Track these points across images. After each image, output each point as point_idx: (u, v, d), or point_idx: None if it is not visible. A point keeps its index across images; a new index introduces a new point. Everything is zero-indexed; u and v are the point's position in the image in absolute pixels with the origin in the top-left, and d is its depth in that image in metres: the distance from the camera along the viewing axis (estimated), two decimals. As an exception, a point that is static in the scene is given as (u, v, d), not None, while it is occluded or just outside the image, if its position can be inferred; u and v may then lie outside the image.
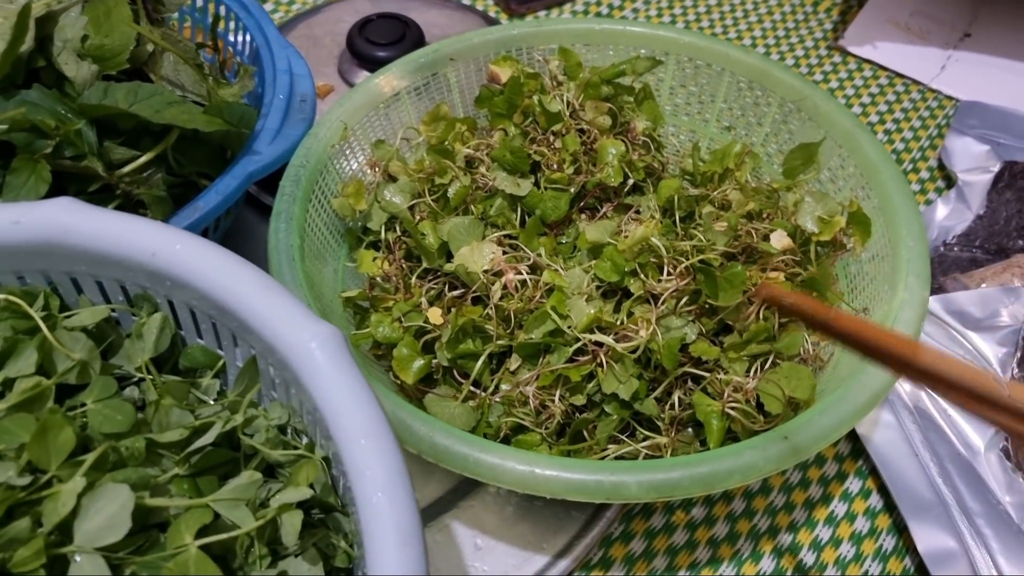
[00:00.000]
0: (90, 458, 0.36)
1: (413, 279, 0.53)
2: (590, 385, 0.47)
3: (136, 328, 0.43)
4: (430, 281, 0.53)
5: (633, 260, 0.48)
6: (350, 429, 0.36)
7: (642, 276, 0.48)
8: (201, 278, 0.39)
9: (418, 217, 0.54)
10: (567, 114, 0.57)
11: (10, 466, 0.35)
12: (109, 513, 0.34)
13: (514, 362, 0.49)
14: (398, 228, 0.55)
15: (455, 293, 0.51)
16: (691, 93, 0.65)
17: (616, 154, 0.55)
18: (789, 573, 0.50)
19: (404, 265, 0.54)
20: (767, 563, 0.51)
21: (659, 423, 0.47)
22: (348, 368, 0.37)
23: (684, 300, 0.48)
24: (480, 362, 0.48)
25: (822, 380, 0.48)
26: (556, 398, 0.46)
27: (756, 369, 0.47)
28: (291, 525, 0.36)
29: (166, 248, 0.40)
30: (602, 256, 0.48)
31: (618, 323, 0.47)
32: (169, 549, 0.35)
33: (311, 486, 0.38)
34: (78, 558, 0.34)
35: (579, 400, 0.47)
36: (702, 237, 0.50)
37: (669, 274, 0.48)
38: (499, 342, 0.48)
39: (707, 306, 0.48)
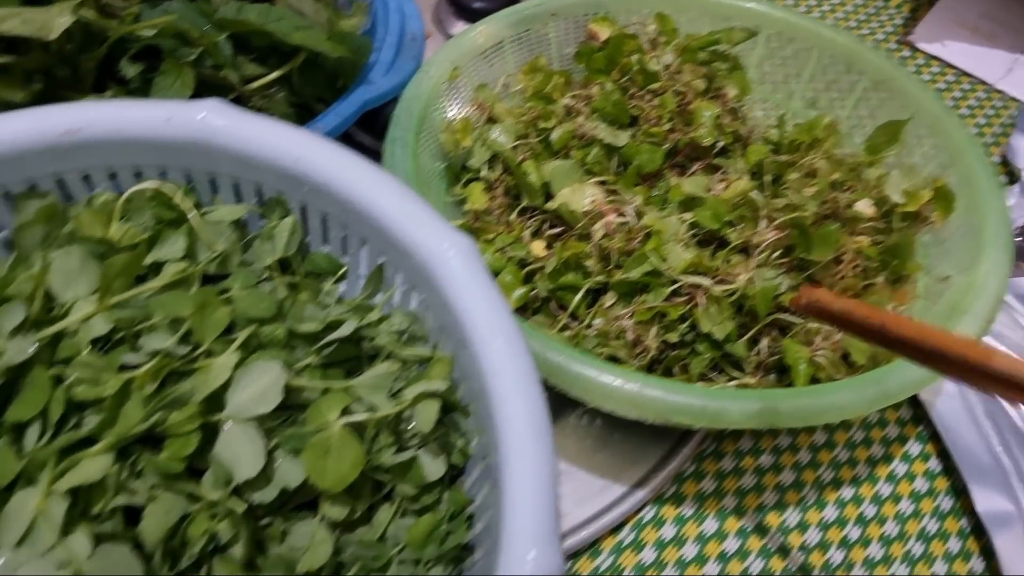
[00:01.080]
0: (242, 335, 0.38)
1: (513, 215, 0.55)
2: (683, 325, 0.49)
3: (267, 230, 0.45)
4: (530, 218, 0.55)
5: (731, 212, 0.51)
6: (486, 330, 0.38)
7: (739, 227, 0.50)
8: (342, 184, 0.42)
9: (520, 157, 0.56)
10: (664, 75, 0.59)
11: (167, 336, 0.38)
12: (261, 386, 0.37)
13: (609, 299, 0.51)
14: (499, 167, 0.57)
15: (554, 231, 0.54)
16: (777, 67, 0.67)
17: (711, 115, 0.57)
18: (851, 522, 0.53)
19: (505, 201, 0.56)
20: (830, 511, 0.53)
21: (745, 366, 0.50)
22: (482, 275, 0.40)
23: (777, 253, 0.50)
24: (580, 295, 0.50)
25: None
26: (651, 334, 0.49)
27: (842, 323, 0.50)
28: (427, 414, 0.38)
29: (310, 154, 0.42)
30: (703, 205, 0.51)
31: (716, 268, 0.49)
32: (310, 427, 0.37)
33: (434, 386, 0.40)
34: (228, 426, 0.36)
35: (672, 338, 0.49)
36: (792, 198, 0.52)
37: (765, 227, 0.50)
38: (597, 278, 0.50)
39: (797, 262, 0.50)
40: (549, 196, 0.54)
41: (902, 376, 0.44)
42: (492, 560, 0.35)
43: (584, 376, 0.43)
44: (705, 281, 0.48)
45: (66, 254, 0.39)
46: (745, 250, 0.51)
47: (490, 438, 0.37)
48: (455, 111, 0.60)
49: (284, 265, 0.45)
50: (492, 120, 0.59)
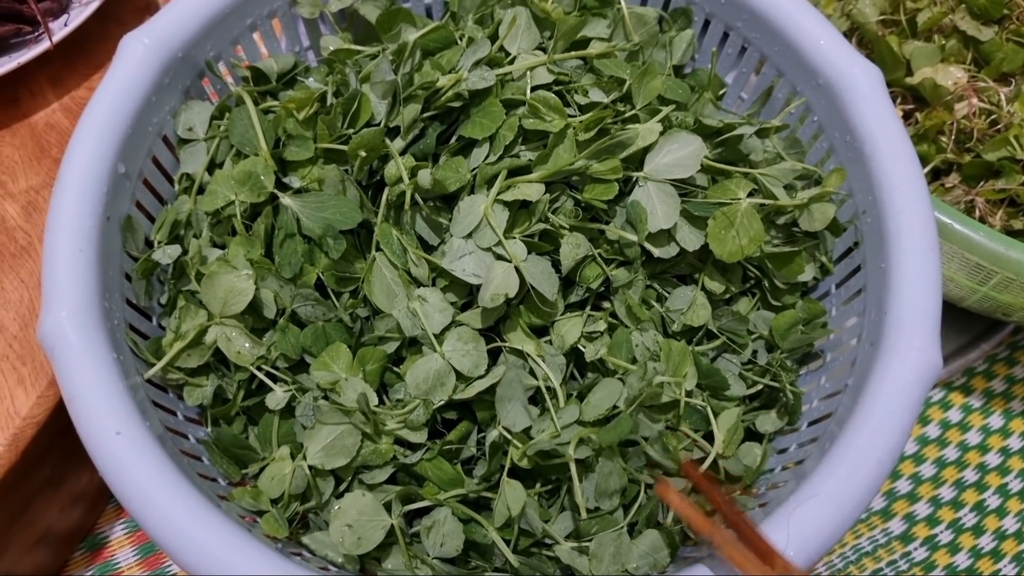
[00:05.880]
0: (665, 110, 0.42)
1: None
2: (1028, 217, 0.50)
3: (667, 39, 0.48)
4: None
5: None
6: (888, 151, 0.40)
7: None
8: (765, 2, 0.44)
9: (881, 32, 0.57)
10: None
11: (600, 93, 0.42)
12: (681, 155, 0.40)
13: (951, 180, 0.52)
14: (855, 39, 0.58)
15: (905, 106, 0.55)
16: None
17: (1082, 28, 0.56)
18: None
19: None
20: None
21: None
22: (886, 100, 0.41)
23: None
24: (927, 169, 0.51)
25: None
26: (997, 216, 0.50)
27: None
28: (822, 214, 0.41)
29: (738, -33, 0.45)
30: (1080, 103, 0.51)
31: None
32: (714, 198, 0.41)
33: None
34: (644, 183, 0.40)
35: (1017, 224, 0.50)
36: None
37: None
38: (947, 155, 0.51)
39: None
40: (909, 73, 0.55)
41: None
42: (871, 355, 0.37)
43: (949, 226, 0.44)
44: (1068, 174, 0.49)
45: (515, 13, 0.44)
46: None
47: (875, 247, 0.40)
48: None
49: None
50: (852, -4, 0.60)
